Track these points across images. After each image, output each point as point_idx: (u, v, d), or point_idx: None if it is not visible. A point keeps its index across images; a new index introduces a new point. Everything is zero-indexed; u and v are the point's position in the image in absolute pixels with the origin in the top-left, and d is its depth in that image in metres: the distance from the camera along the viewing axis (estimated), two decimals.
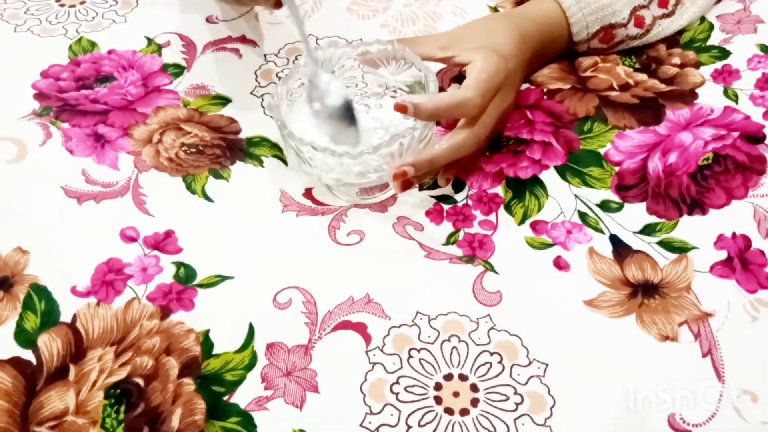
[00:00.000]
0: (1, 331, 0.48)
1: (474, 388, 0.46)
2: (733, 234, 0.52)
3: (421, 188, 0.57)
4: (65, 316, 0.49)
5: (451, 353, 0.47)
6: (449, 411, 0.45)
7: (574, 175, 0.57)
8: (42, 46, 0.69)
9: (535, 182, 0.56)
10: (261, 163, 0.59)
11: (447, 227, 0.54)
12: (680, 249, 0.52)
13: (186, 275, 0.51)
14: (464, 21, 0.69)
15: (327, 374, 0.47)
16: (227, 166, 0.58)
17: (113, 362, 0.47)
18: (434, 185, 0.56)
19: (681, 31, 0.67)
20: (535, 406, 0.45)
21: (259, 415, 0.45)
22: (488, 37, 0.57)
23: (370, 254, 0.53)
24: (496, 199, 0.56)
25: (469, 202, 0.56)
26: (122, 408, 0.45)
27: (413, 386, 0.46)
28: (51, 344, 0.47)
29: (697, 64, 0.64)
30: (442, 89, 0.53)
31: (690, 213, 0.54)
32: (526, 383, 0.46)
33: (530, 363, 0.47)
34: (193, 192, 0.57)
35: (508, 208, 0.55)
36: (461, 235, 0.54)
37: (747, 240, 0.52)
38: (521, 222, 0.54)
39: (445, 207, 0.56)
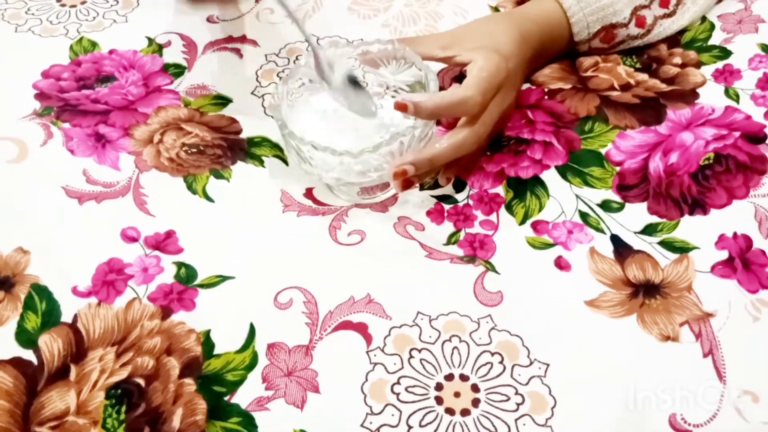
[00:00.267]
0: (2, 331, 0.48)
1: (475, 388, 0.46)
2: (735, 234, 0.52)
3: (421, 188, 0.57)
4: (66, 316, 0.49)
5: (452, 353, 0.47)
6: (450, 411, 0.45)
7: (575, 174, 0.57)
8: (43, 46, 0.69)
9: (536, 182, 0.56)
10: (262, 163, 0.59)
11: (448, 227, 0.54)
12: (681, 249, 0.52)
13: (187, 275, 0.51)
14: (465, 21, 0.69)
15: (328, 374, 0.47)
16: (228, 166, 0.58)
17: (114, 362, 0.47)
18: (435, 185, 0.56)
19: (682, 31, 0.67)
20: (536, 406, 0.45)
21: (260, 416, 0.45)
22: (489, 36, 0.57)
23: (370, 254, 0.53)
24: (497, 199, 0.56)
25: (470, 202, 0.56)
26: (123, 408, 0.45)
27: (414, 386, 0.46)
28: (52, 344, 0.47)
29: (698, 64, 0.64)
30: (442, 89, 0.53)
31: (691, 213, 0.54)
32: (527, 383, 0.46)
33: (531, 363, 0.47)
34: (194, 192, 0.57)
35: (509, 208, 0.55)
36: (462, 235, 0.54)
37: (748, 240, 0.52)
38: (522, 222, 0.54)
39: (446, 207, 0.56)
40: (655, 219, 0.54)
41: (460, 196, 0.56)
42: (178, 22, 0.70)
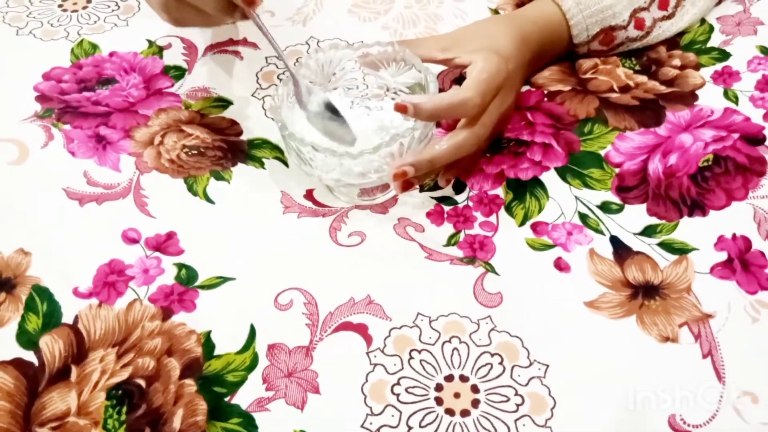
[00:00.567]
0: (3, 333, 0.48)
1: (475, 389, 0.46)
2: (734, 235, 0.52)
3: (421, 189, 0.57)
4: (67, 318, 0.49)
5: (452, 354, 0.47)
6: (450, 412, 0.45)
7: (575, 176, 0.57)
8: (44, 48, 0.69)
9: (536, 184, 0.57)
10: (262, 164, 0.59)
11: (448, 228, 0.54)
12: (680, 250, 0.52)
13: (187, 276, 0.52)
14: (465, 23, 0.69)
15: (328, 375, 0.47)
16: (228, 167, 0.59)
17: (115, 363, 0.47)
18: (435, 186, 0.57)
19: (681, 33, 0.67)
20: (536, 407, 0.45)
21: (261, 416, 0.45)
22: (489, 38, 0.57)
23: (371, 255, 0.53)
24: (497, 201, 0.56)
25: (470, 204, 0.56)
26: (124, 409, 0.45)
27: (414, 387, 0.46)
28: (53, 345, 0.48)
29: (698, 66, 0.64)
30: (442, 90, 0.53)
31: (690, 214, 0.54)
32: (526, 384, 0.46)
33: (531, 364, 0.47)
34: (195, 193, 0.57)
35: (509, 210, 0.55)
36: (462, 236, 0.54)
37: (747, 241, 0.52)
38: (522, 223, 0.54)
39: (446, 208, 0.56)
40: (654, 220, 0.54)
41: (460, 198, 0.56)
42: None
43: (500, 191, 0.56)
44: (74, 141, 0.60)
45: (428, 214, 0.55)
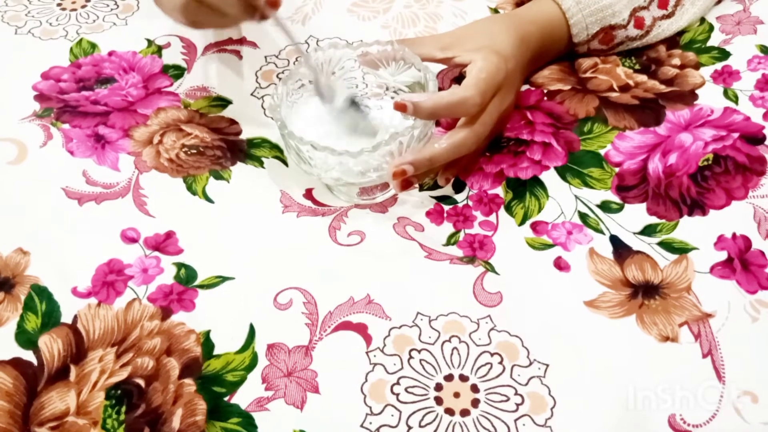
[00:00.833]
0: (2, 332, 0.48)
1: (474, 388, 0.46)
2: (734, 235, 0.52)
3: (421, 189, 0.57)
4: (66, 317, 0.49)
5: (452, 354, 0.47)
6: (450, 412, 0.45)
7: (575, 175, 0.57)
8: (43, 47, 0.69)
9: (536, 183, 0.57)
10: (261, 164, 0.59)
11: (447, 228, 0.54)
12: (680, 250, 0.52)
13: (187, 276, 0.52)
14: (465, 22, 0.69)
15: (327, 375, 0.47)
16: (228, 167, 0.59)
17: (114, 363, 0.47)
18: (434, 186, 0.56)
19: (681, 32, 0.67)
20: (536, 406, 0.45)
21: (260, 416, 0.45)
22: (488, 37, 0.57)
23: (370, 255, 0.53)
24: (497, 200, 0.56)
25: (470, 203, 0.56)
26: (123, 409, 0.45)
27: (414, 387, 0.46)
28: (52, 345, 0.48)
29: (697, 65, 0.64)
30: (442, 89, 0.53)
31: (690, 214, 0.54)
32: (526, 384, 0.46)
33: (531, 363, 0.47)
34: (194, 193, 0.57)
35: (509, 209, 0.55)
36: (462, 235, 0.54)
37: (747, 241, 0.52)
38: (522, 223, 0.54)
39: (446, 207, 0.56)
40: (654, 220, 0.54)
41: (460, 197, 0.56)
42: (178, 26, 0.70)
43: (500, 190, 0.56)
44: (73, 140, 0.60)
45: (428, 214, 0.55)
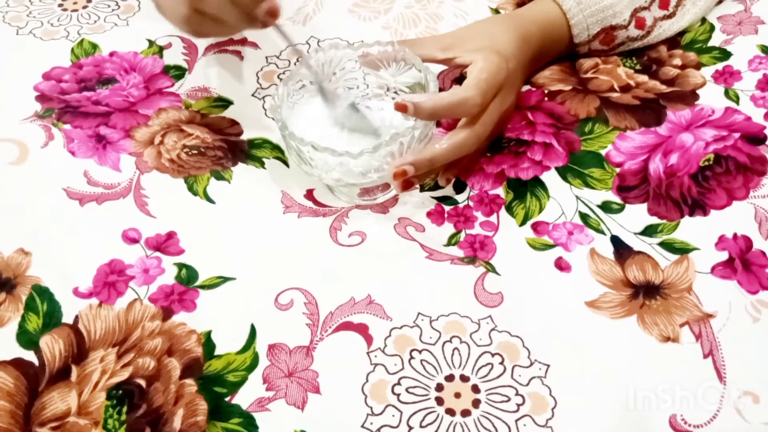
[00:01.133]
0: (4, 332, 0.48)
1: (475, 389, 0.46)
2: (735, 235, 0.52)
3: (422, 189, 0.57)
4: (67, 317, 0.49)
5: (453, 354, 0.47)
6: (451, 412, 0.45)
7: (575, 176, 0.57)
8: (44, 48, 0.69)
9: (537, 183, 0.57)
10: (262, 164, 0.59)
11: (448, 228, 0.54)
12: (681, 250, 0.52)
13: (188, 276, 0.52)
14: (465, 23, 0.69)
15: (328, 375, 0.47)
16: (229, 167, 0.59)
17: (115, 363, 0.47)
18: (435, 186, 0.56)
19: (682, 33, 0.67)
20: (537, 406, 0.45)
21: (261, 416, 0.45)
22: (489, 38, 0.57)
23: (371, 255, 0.53)
24: (498, 200, 0.56)
25: (471, 203, 0.56)
26: (124, 409, 0.45)
27: (415, 387, 0.46)
28: (53, 345, 0.48)
29: (698, 65, 0.64)
30: (442, 90, 0.53)
31: (691, 214, 0.54)
32: (527, 384, 0.46)
33: (531, 364, 0.47)
34: (195, 193, 0.57)
35: (510, 209, 0.55)
36: (462, 236, 0.54)
37: (748, 241, 0.52)
38: (522, 223, 0.54)
39: (447, 208, 0.56)
40: (655, 220, 0.54)
41: (461, 198, 0.56)
42: None
43: (501, 191, 0.56)
44: (74, 141, 0.60)
45: (429, 214, 0.55)
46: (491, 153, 0.59)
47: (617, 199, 0.55)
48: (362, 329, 0.49)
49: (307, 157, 0.52)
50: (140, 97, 0.64)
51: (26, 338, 0.48)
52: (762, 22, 0.67)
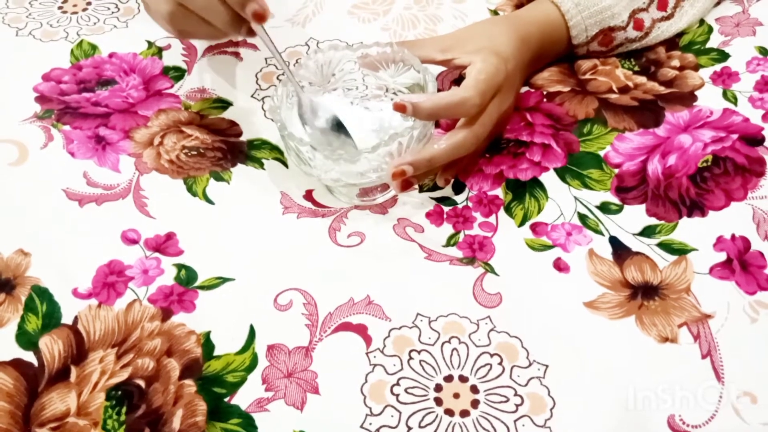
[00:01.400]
0: (3, 333, 0.48)
1: (474, 389, 0.46)
2: (733, 236, 0.52)
3: (421, 190, 0.57)
4: (66, 318, 0.49)
5: (452, 355, 0.47)
6: (449, 412, 0.45)
7: (574, 177, 0.57)
8: (43, 49, 0.69)
9: (535, 184, 0.57)
10: (262, 165, 0.59)
11: (447, 229, 0.54)
12: (680, 251, 0.52)
13: (187, 277, 0.52)
14: (464, 24, 0.69)
15: (327, 376, 0.47)
16: (228, 168, 0.59)
17: (114, 364, 0.47)
18: (434, 187, 0.57)
19: (680, 34, 0.67)
20: (535, 407, 0.45)
21: (260, 417, 0.45)
22: (488, 39, 0.57)
23: (370, 256, 0.53)
24: (496, 201, 0.56)
25: (469, 204, 0.56)
26: (123, 409, 0.45)
27: (414, 388, 0.46)
28: (52, 346, 0.48)
29: (697, 67, 0.64)
30: (441, 91, 0.53)
31: (689, 215, 0.54)
32: (526, 384, 0.46)
33: (530, 364, 0.47)
34: (194, 194, 0.57)
35: (508, 210, 0.55)
36: (461, 236, 0.54)
37: (746, 242, 0.52)
38: (521, 224, 0.54)
39: (446, 209, 0.56)
40: (653, 221, 0.54)
41: (460, 198, 0.56)
42: None
43: (499, 192, 0.57)
44: (74, 142, 0.60)
45: (428, 215, 0.55)
46: (490, 154, 0.59)
47: (616, 200, 0.55)
48: (361, 330, 0.49)
49: (306, 157, 0.52)
50: (140, 98, 0.64)
51: (25, 339, 0.48)
52: (760, 23, 0.67)
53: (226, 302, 0.50)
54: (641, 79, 0.63)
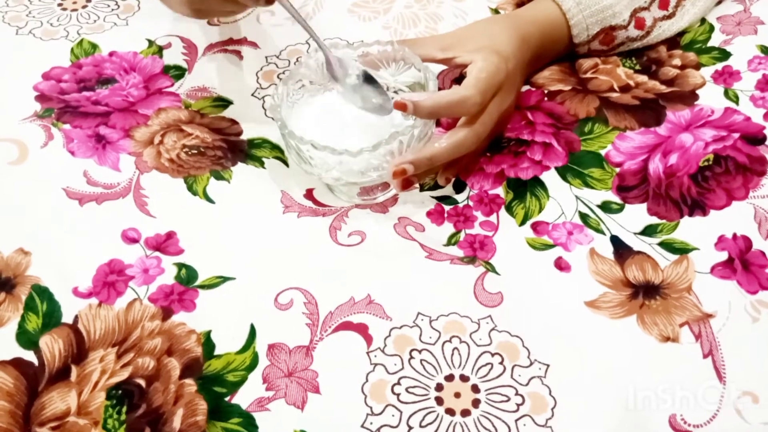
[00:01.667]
0: (3, 332, 0.48)
1: (475, 388, 0.46)
2: (734, 235, 0.52)
3: (422, 189, 0.57)
4: (67, 317, 0.49)
5: (453, 354, 0.47)
6: (450, 412, 0.45)
7: (575, 176, 0.57)
8: (43, 48, 0.69)
9: (536, 183, 0.57)
10: (262, 164, 0.59)
11: (448, 228, 0.54)
12: (681, 250, 0.52)
13: (187, 276, 0.52)
14: (465, 23, 0.69)
15: (328, 375, 0.47)
16: (228, 167, 0.59)
17: (115, 363, 0.47)
18: (435, 186, 0.56)
19: (681, 33, 0.67)
20: (536, 406, 0.45)
21: (261, 416, 0.45)
22: (489, 38, 0.57)
23: (371, 255, 0.53)
24: (497, 200, 0.56)
25: (470, 203, 0.56)
26: (124, 409, 0.45)
27: (414, 387, 0.46)
28: (53, 345, 0.48)
29: (698, 66, 0.64)
30: (442, 89, 0.53)
31: (691, 214, 0.54)
32: (527, 384, 0.46)
33: (531, 364, 0.47)
34: (195, 193, 0.57)
35: (509, 209, 0.55)
36: (462, 235, 0.54)
37: (748, 241, 0.52)
38: (522, 223, 0.54)
39: (446, 208, 0.56)
40: (654, 220, 0.54)
41: (460, 197, 0.56)
42: (179, 26, 0.70)
43: (500, 191, 0.56)
44: (74, 140, 0.60)
45: (428, 214, 0.55)
46: (491, 153, 0.59)
47: (617, 199, 0.55)
48: (362, 329, 0.49)
49: (307, 155, 0.52)
50: (140, 96, 0.64)
51: (26, 338, 0.48)
52: (761, 22, 0.67)
53: (227, 301, 0.50)
54: (642, 78, 0.63)
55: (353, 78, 0.55)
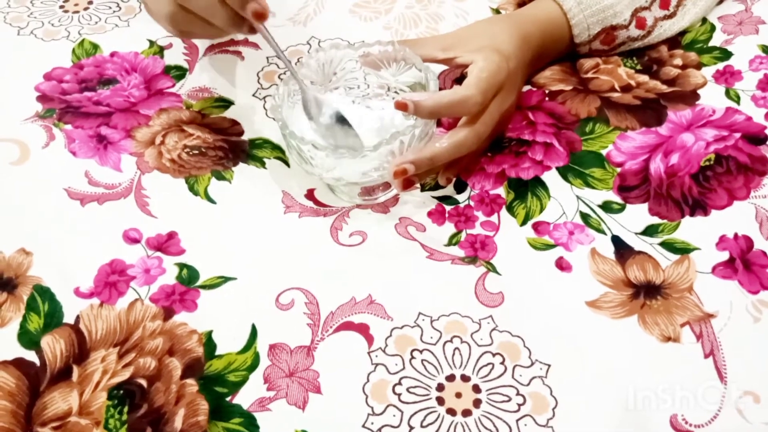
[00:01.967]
0: (5, 333, 0.48)
1: (476, 389, 0.46)
2: (735, 235, 0.52)
3: (422, 189, 0.57)
4: (68, 318, 0.49)
5: (454, 354, 0.47)
6: (451, 412, 0.45)
7: (576, 176, 0.57)
8: (45, 48, 0.69)
9: (537, 183, 0.57)
10: (263, 164, 0.59)
11: (449, 228, 0.54)
12: (682, 250, 0.52)
13: (189, 276, 0.52)
14: (466, 23, 0.69)
15: (329, 375, 0.47)
16: (230, 167, 0.59)
17: (116, 363, 0.47)
18: (436, 186, 0.57)
19: (682, 32, 0.67)
20: (538, 406, 0.45)
21: (262, 416, 0.45)
22: (490, 38, 0.57)
23: (372, 255, 0.53)
24: (498, 200, 0.56)
25: (471, 203, 0.56)
26: (125, 409, 0.45)
27: (415, 387, 0.46)
28: (54, 345, 0.48)
29: (699, 65, 0.64)
30: (442, 89, 0.53)
31: (692, 214, 0.54)
32: (528, 384, 0.46)
33: (532, 364, 0.47)
34: (196, 193, 0.57)
35: (510, 209, 0.55)
36: (463, 235, 0.54)
37: (749, 241, 0.52)
38: (523, 223, 0.54)
39: (447, 208, 0.56)
40: (656, 220, 0.54)
41: (461, 197, 0.56)
42: None
43: (501, 191, 0.56)
44: (75, 141, 0.60)
45: (429, 214, 0.55)
46: (492, 153, 0.59)
47: (618, 199, 0.55)
48: (363, 329, 0.49)
49: (308, 156, 0.52)
50: (141, 97, 0.64)
51: (27, 338, 0.48)
52: (763, 21, 0.67)
53: (228, 301, 0.50)
54: (643, 78, 0.63)
55: (326, 117, 0.55)
